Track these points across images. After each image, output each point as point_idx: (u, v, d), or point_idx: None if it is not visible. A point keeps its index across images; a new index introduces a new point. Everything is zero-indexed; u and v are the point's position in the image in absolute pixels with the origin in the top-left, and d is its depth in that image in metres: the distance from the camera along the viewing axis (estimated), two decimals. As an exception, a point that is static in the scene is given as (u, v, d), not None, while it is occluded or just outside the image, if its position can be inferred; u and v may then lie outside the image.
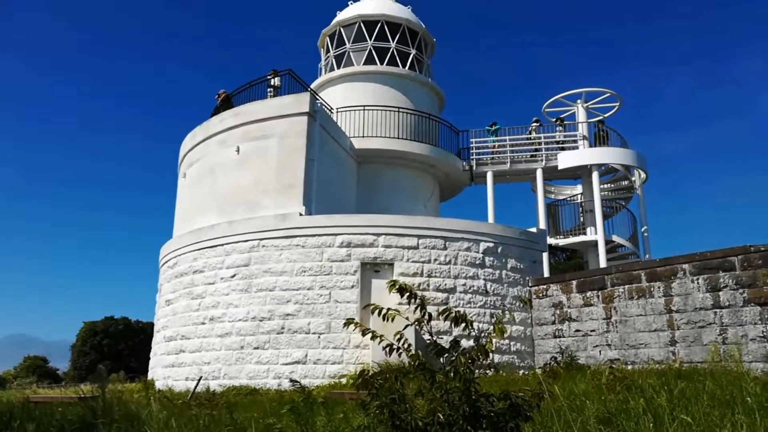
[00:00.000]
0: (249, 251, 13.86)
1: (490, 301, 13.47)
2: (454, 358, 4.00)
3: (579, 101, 21.41)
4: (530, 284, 14.01)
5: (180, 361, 14.20)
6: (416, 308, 4.21)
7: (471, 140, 20.75)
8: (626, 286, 12.10)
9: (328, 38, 21.98)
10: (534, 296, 13.80)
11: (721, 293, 10.66)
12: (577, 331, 12.74)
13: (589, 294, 12.73)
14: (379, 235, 13.49)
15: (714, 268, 10.82)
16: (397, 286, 4.27)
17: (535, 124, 21.07)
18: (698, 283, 11.00)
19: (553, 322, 13.26)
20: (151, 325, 20.98)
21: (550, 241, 19.65)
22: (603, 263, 18.33)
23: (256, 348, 13.02)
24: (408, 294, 4.18)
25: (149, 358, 16.61)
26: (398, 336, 4.21)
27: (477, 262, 13.68)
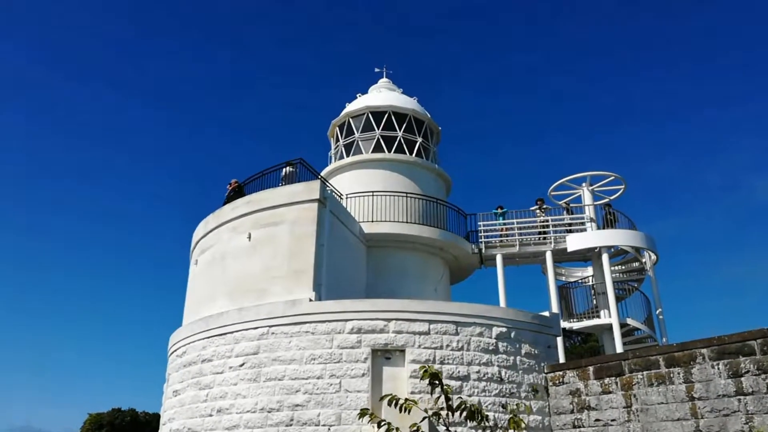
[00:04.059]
0: (258, 339, 13.69)
1: (505, 389, 13.07)
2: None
3: (584, 184, 21.73)
4: (546, 371, 13.63)
5: (185, 456, 13.69)
6: (438, 398, 4.11)
7: (479, 223, 20.95)
8: (645, 372, 11.75)
9: (337, 128, 22.77)
10: (550, 383, 13.40)
11: (743, 379, 10.32)
12: (597, 420, 12.27)
13: (607, 381, 12.35)
14: (389, 320, 13.33)
15: (733, 352, 10.54)
16: (429, 373, 4.17)
17: (537, 206, 21.37)
18: (719, 368, 10.68)
19: (572, 411, 12.79)
20: (158, 417, 20.41)
21: (564, 324, 19.31)
22: (619, 347, 17.89)
23: (264, 441, 12.56)
24: (437, 382, 4.07)
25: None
26: (414, 428, 4.09)
27: (490, 347, 13.41)
